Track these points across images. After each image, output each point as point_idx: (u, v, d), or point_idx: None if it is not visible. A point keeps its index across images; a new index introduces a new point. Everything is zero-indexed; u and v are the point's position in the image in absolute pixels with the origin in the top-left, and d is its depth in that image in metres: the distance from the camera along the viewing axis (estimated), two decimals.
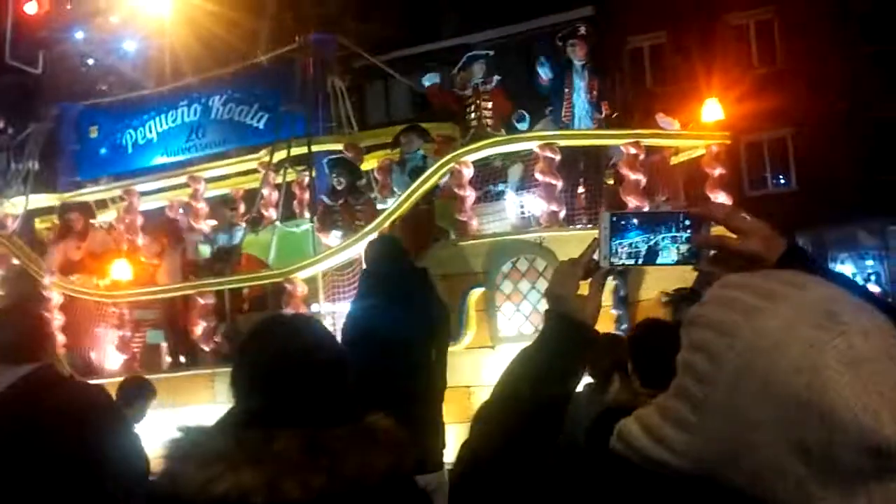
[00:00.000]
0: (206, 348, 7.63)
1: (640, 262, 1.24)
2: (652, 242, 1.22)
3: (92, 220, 9.06)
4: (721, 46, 16.46)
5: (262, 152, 8.83)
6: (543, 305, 1.32)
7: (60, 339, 8.48)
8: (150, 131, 10.08)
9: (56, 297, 8.55)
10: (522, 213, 7.12)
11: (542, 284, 6.56)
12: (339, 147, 8.43)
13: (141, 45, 10.92)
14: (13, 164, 10.64)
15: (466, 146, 6.92)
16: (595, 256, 1.25)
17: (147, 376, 6.26)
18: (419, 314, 3.87)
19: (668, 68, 16.86)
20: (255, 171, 9.35)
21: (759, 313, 0.77)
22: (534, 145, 6.75)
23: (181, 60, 10.62)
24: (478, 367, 6.39)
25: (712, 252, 1.16)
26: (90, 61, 11.21)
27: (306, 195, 8.85)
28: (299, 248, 7.80)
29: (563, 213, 6.69)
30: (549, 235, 6.52)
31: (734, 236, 1.11)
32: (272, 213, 8.75)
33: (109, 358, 8.41)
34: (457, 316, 6.61)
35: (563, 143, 6.73)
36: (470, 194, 6.84)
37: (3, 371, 2.53)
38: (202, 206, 9.16)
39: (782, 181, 17.69)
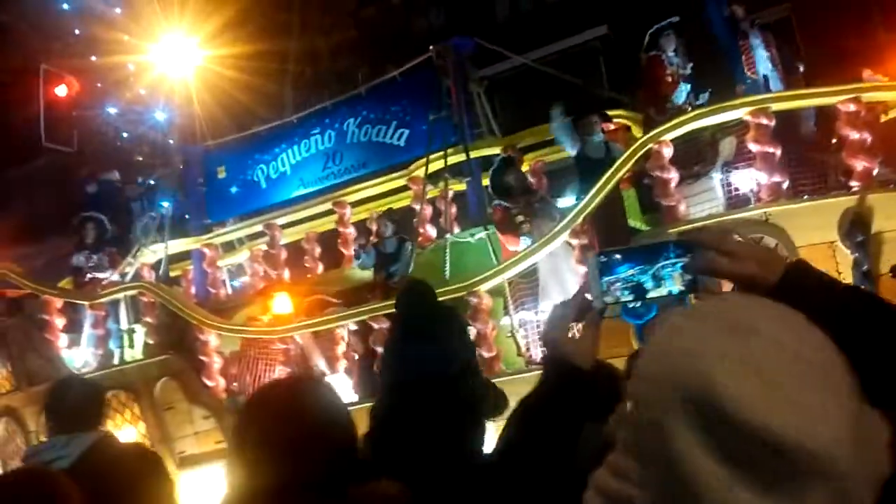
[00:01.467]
0: None
1: (636, 295, 1.21)
2: (650, 273, 1.20)
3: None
4: None
5: (413, 167, 8.37)
6: None
7: (222, 383, 8.13)
8: (283, 164, 9.79)
9: (213, 340, 8.18)
10: (731, 191, 6.41)
11: None
12: (496, 151, 7.90)
13: (171, 114, 10.82)
14: (144, 213, 10.51)
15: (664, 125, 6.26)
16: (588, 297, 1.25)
17: None
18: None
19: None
20: (398, 190, 8.93)
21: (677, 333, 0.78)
22: (741, 113, 6.07)
23: (208, 124, 10.48)
24: None
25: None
26: (125, 134, 11.49)
27: (453, 209, 8.35)
28: (476, 260, 7.23)
29: (786, 184, 5.96)
30: (775, 210, 5.78)
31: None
32: (429, 230, 8.24)
33: None
34: None
35: (775, 106, 6.03)
36: (673, 176, 6.18)
37: (68, 441, 2.62)
38: (350, 231, 8.75)
39: None
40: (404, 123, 8.91)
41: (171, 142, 10.78)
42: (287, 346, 7.91)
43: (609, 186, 6.28)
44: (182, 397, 8.21)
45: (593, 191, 6.33)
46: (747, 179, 6.16)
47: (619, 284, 1.21)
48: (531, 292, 6.68)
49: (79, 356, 9.40)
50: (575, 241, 6.38)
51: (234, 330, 7.95)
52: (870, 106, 6.50)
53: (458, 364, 2.12)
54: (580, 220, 6.34)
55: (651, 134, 6.22)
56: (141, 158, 11.37)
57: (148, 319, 8.65)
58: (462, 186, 8.45)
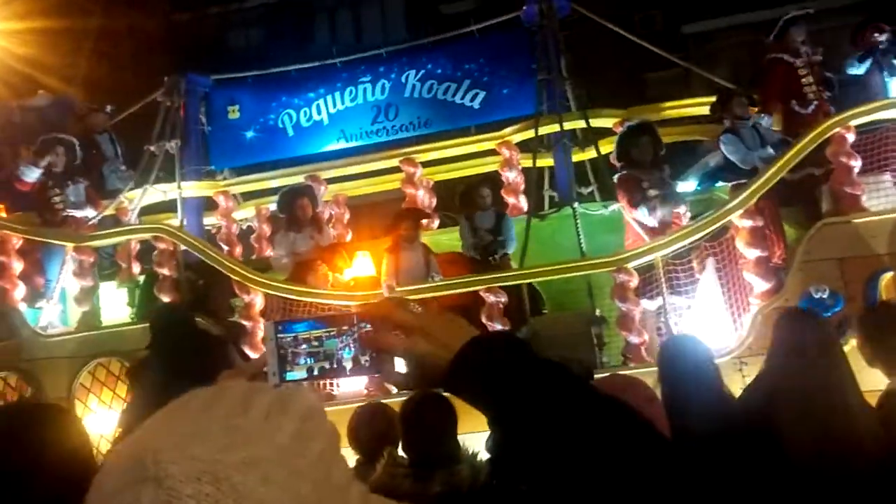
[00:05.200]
0: None
1: (317, 374, 1.15)
2: (337, 349, 1.13)
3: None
4: None
5: (509, 130, 7.51)
6: None
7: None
8: (319, 112, 8.49)
9: (259, 302, 6.77)
10: None
11: None
12: (608, 124, 7.29)
13: None
14: (115, 146, 8.67)
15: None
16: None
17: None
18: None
19: None
20: (465, 156, 8.03)
21: None
22: None
23: None
24: None
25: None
26: None
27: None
28: (609, 234, 6.54)
29: None
30: None
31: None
32: (521, 201, 7.40)
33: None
34: (863, 304, 5.65)
35: None
36: (857, 164, 5.94)
37: None
38: (421, 194, 7.69)
39: None
40: (480, 84, 8.04)
41: None
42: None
43: (786, 168, 5.92)
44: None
45: (770, 171, 5.93)
46: None
47: (302, 360, 1.13)
48: (685, 275, 6.12)
49: (46, 312, 7.45)
50: (748, 223, 5.93)
51: (303, 292, 6.59)
52: None
53: None
54: (754, 200, 5.90)
55: (842, 116, 5.95)
56: None
57: (165, 271, 7.00)
58: (549, 161, 7.75)
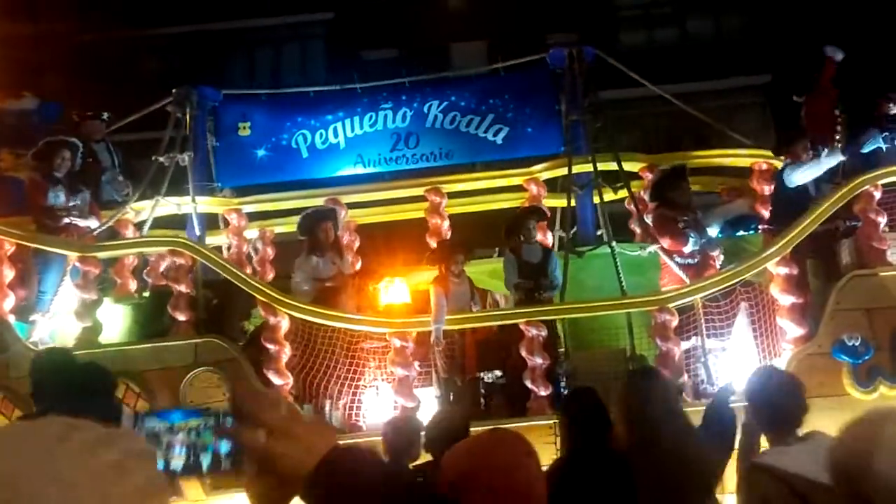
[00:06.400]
0: (543, 392, 6.10)
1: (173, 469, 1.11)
2: (213, 442, 1.10)
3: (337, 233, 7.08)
4: None
5: (539, 167, 7.59)
6: None
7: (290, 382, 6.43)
8: (336, 135, 8.34)
9: (285, 325, 6.50)
10: None
11: None
12: (636, 168, 7.48)
13: None
14: (112, 156, 8.26)
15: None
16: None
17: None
18: None
19: None
20: (490, 190, 8.06)
21: None
22: None
23: None
24: None
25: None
26: None
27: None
28: (646, 275, 6.64)
29: None
30: None
31: None
32: (548, 238, 7.44)
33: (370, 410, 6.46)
34: (889, 354, 5.94)
35: None
36: (883, 220, 6.29)
37: None
38: (446, 225, 7.63)
39: None
40: (504, 120, 8.12)
41: None
42: (385, 345, 6.52)
43: (821, 220, 6.22)
44: (225, 398, 6.35)
45: (806, 222, 6.21)
46: None
47: (179, 437, 1.08)
48: (723, 318, 6.28)
49: (40, 326, 6.91)
50: (784, 270, 6.16)
51: (336, 317, 6.36)
52: None
53: None
54: (789, 249, 6.16)
55: (874, 174, 6.30)
56: None
57: (182, 288, 6.64)
58: (562, 202, 7.86)
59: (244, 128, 8.49)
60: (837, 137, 7.17)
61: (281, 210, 8.34)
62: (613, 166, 7.29)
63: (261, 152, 8.42)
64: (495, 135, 8.11)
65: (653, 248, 6.67)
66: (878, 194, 6.32)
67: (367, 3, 17.94)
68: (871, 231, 6.27)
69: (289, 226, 8.25)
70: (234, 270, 6.65)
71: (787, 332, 6.19)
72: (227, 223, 8.05)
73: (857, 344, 5.89)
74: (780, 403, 2.83)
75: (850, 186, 6.31)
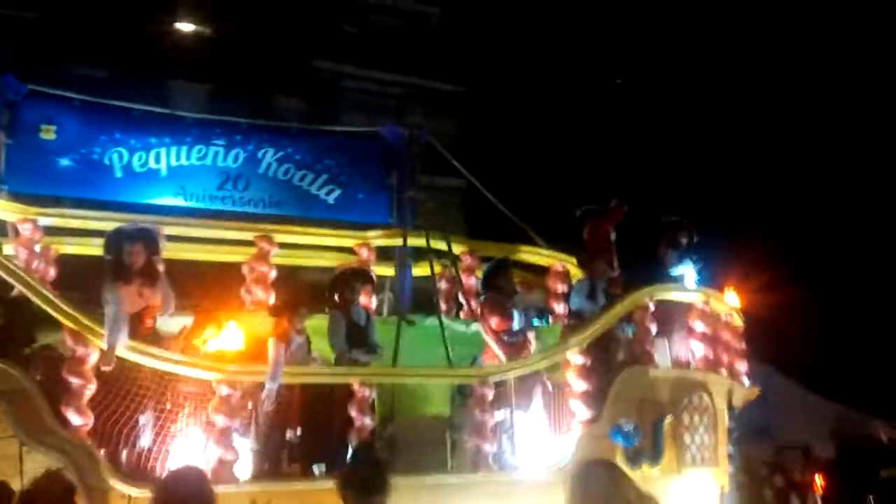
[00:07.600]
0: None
1: None
2: None
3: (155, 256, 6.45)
4: None
5: (374, 234, 7.85)
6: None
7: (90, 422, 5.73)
8: (158, 160, 7.80)
9: (93, 359, 5.83)
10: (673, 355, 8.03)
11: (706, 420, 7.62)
12: (458, 251, 8.12)
13: None
14: None
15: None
16: None
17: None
18: None
19: None
20: (318, 248, 8.13)
21: None
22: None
23: None
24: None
25: None
26: None
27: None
28: (467, 349, 7.15)
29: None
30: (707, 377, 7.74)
31: None
32: (372, 303, 7.68)
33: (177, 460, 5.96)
34: (651, 440, 7.16)
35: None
36: (654, 327, 7.62)
37: None
38: (273, 274, 7.49)
39: None
40: (337, 182, 8.31)
41: None
42: (204, 392, 6.16)
43: (612, 321, 7.38)
44: (9, 432, 5.47)
45: (600, 322, 7.32)
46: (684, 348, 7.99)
47: None
48: (526, 395, 7.03)
49: None
50: (580, 359, 7.16)
51: (166, 359, 5.84)
52: None
53: None
54: (586, 342, 7.20)
55: (652, 289, 7.63)
56: None
57: None
58: (390, 271, 8.26)
59: (48, 130, 7.54)
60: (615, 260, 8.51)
61: (76, 228, 7.50)
62: (441, 245, 7.89)
63: (65, 161, 7.53)
64: (328, 194, 8.26)
65: (476, 326, 7.31)
66: (651, 306, 7.71)
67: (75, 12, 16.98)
68: (645, 335, 7.60)
69: (83, 247, 7.48)
70: (41, 289, 5.84)
71: (576, 414, 7.15)
72: (17, 233, 6.99)
73: (630, 429, 7.02)
74: None
75: (634, 297, 7.62)
